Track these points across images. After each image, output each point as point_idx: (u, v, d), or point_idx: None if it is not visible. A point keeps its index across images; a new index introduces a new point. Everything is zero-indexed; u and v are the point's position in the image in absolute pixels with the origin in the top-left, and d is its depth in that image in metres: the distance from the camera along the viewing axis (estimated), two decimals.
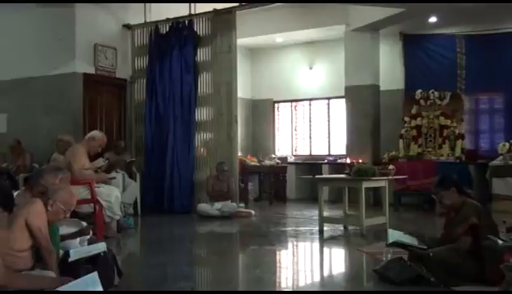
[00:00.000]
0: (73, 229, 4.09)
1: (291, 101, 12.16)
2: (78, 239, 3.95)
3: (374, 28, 10.00)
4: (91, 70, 8.94)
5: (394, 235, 4.22)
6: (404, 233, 4.26)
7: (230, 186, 8.57)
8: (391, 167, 7.37)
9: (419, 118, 9.84)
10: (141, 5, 9.43)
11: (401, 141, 9.86)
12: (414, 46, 10.49)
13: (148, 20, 9.46)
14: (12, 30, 9.18)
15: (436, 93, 9.77)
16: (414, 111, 9.89)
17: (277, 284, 4.50)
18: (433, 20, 9.68)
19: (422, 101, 9.85)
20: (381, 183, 6.93)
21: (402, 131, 9.89)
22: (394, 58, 10.61)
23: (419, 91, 9.88)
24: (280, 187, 10.74)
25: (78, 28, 8.72)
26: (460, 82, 10.05)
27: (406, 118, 9.93)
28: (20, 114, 9.09)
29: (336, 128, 11.46)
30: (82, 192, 6.06)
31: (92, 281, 2.81)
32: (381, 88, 10.37)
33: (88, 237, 4.10)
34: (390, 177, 7.09)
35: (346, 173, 7.04)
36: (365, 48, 10.09)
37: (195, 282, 4.76)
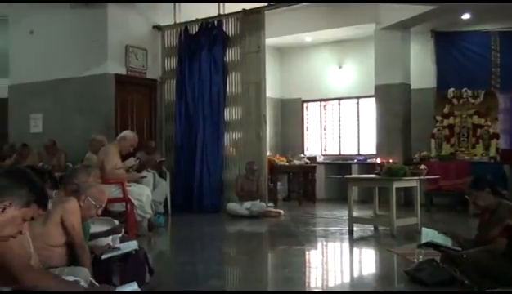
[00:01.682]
0: (105, 228, 4.17)
1: (320, 100, 12.09)
2: (110, 237, 4.01)
3: (404, 26, 9.86)
4: (122, 71, 9.08)
5: (428, 234, 4.14)
6: (438, 232, 4.18)
7: (259, 186, 8.58)
8: (422, 166, 7.25)
9: (451, 117, 9.66)
10: (171, 6, 9.53)
11: (432, 141, 9.70)
12: (446, 43, 10.29)
13: (178, 21, 9.56)
14: (48, 33, 9.42)
15: (469, 91, 9.58)
16: (446, 110, 9.71)
17: (307, 284, 4.48)
18: (466, 16, 9.49)
19: (455, 100, 9.67)
20: (412, 183, 6.83)
21: (434, 131, 9.73)
22: (425, 56, 10.44)
23: (452, 89, 9.70)
24: (309, 187, 10.70)
25: (110, 30, 8.87)
26: (495, 80, 9.81)
27: (438, 117, 9.76)
28: (55, 115, 9.31)
29: (366, 127, 11.34)
30: (114, 191, 6.17)
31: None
32: (412, 87, 10.22)
33: (120, 235, 4.16)
34: (422, 177, 6.98)
35: (376, 173, 6.97)
36: (395, 46, 9.96)
37: (225, 281, 4.78)
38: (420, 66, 10.32)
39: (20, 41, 9.82)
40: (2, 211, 1.91)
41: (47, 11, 9.37)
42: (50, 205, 2.68)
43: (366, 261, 5.77)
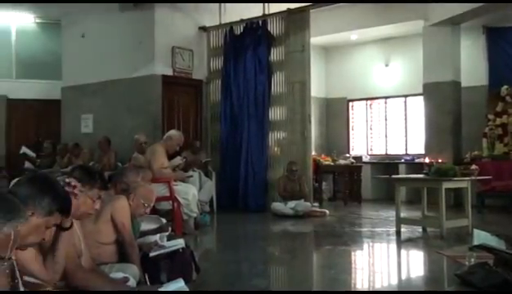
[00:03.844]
0: (153, 226, 4.26)
1: (366, 99, 11.92)
2: (157, 235, 4.09)
3: (454, 22, 9.58)
4: (169, 72, 9.24)
5: (480, 237, 4.02)
6: (491, 234, 4.04)
7: (302, 186, 8.54)
8: (474, 166, 7.02)
9: (504, 116, 9.30)
10: (216, 7, 9.62)
11: (484, 140, 9.37)
12: (498, 39, 9.94)
13: (223, 22, 9.64)
14: (98, 36, 9.71)
15: None
16: (499, 108, 9.37)
17: (352, 285, 4.42)
18: None
19: (508, 98, 9.31)
20: (463, 183, 6.62)
21: (486, 130, 9.40)
22: (476, 53, 10.12)
23: (505, 87, 9.34)
24: (354, 187, 10.56)
25: (157, 32, 9.05)
26: None
27: (491, 116, 9.43)
28: (105, 115, 9.58)
29: (413, 127, 11.10)
30: (161, 190, 6.27)
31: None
32: (462, 85, 9.92)
33: (167, 233, 4.24)
34: (473, 178, 6.77)
35: (424, 173, 6.80)
36: (445, 43, 9.69)
37: (270, 280, 4.79)
38: (471, 63, 10.01)
39: (72, 44, 10.17)
40: (26, 220, 1.95)
41: (97, 15, 9.67)
42: (99, 204, 2.75)
43: (415, 263, 5.64)
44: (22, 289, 1.98)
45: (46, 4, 10.16)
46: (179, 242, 3.87)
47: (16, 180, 2.27)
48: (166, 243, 3.89)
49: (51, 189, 2.06)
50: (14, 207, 1.32)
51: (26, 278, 2.13)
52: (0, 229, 1.27)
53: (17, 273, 1.92)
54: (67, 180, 2.55)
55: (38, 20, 11.11)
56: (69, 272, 2.40)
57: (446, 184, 6.29)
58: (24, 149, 9.60)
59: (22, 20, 11.03)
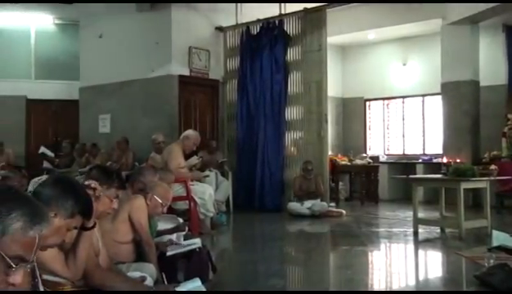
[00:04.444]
0: (170, 225, 4.29)
1: (383, 99, 11.84)
2: (174, 235, 4.12)
3: (473, 20, 9.46)
4: (185, 72, 9.28)
5: (499, 238, 3.97)
6: (510, 235, 3.98)
7: (318, 185, 8.52)
8: (493, 166, 6.94)
9: None
10: (233, 7, 9.63)
11: (503, 140, 9.24)
12: None
13: (239, 22, 9.65)
14: (115, 36, 9.79)
15: None
16: None
17: (369, 286, 4.40)
18: None
19: None
20: (482, 184, 6.55)
21: (505, 129, 9.26)
22: (496, 52, 9.98)
23: None
24: (371, 187, 10.49)
25: (174, 32, 9.09)
26: None
27: (510, 116, 9.29)
28: (122, 115, 9.66)
29: (431, 126, 10.99)
30: (178, 189, 6.31)
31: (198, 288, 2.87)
32: (481, 84, 9.80)
33: (184, 233, 4.26)
34: (492, 178, 6.68)
35: (442, 173, 6.73)
36: (463, 42, 9.58)
37: (286, 280, 4.78)
38: (490, 62, 9.88)
39: (89, 44, 10.27)
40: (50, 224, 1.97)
41: (115, 15, 9.75)
42: (117, 203, 2.78)
43: (432, 264, 5.59)
44: (42, 288, 2.01)
45: (65, 5, 10.31)
46: (196, 242, 3.89)
47: (40, 180, 2.30)
48: (182, 242, 3.91)
49: (74, 192, 2.08)
50: (40, 211, 1.35)
51: (45, 277, 2.16)
52: (27, 232, 1.29)
53: (37, 272, 1.95)
54: (86, 182, 2.57)
55: (56, 22, 11.25)
56: (87, 271, 2.43)
57: (465, 185, 6.22)
58: (43, 149, 9.73)
59: (41, 22, 11.18)
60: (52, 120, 11.08)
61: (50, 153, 9.76)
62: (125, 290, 2.53)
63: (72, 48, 10.91)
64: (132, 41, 9.52)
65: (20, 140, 10.82)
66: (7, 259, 1.25)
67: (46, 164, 9.52)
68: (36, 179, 7.77)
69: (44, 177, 7.40)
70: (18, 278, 1.27)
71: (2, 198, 1.30)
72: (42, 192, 2.04)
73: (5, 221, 1.27)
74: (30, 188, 7.06)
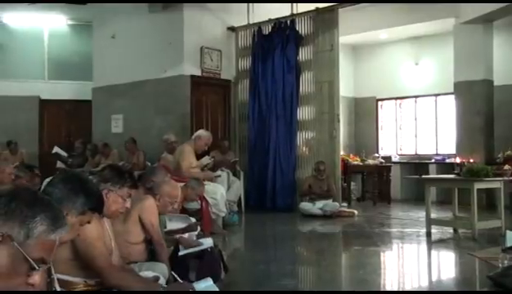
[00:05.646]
0: (182, 225, 4.30)
1: (396, 99, 11.78)
2: (186, 235, 4.13)
3: (487, 19, 9.37)
4: (197, 72, 9.30)
5: None
6: None
7: (329, 185, 8.49)
8: (507, 167, 6.87)
9: None
10: (245, 8, 9.63)
11: None
12: None
13: (251, 22, 9.65)
14: (128, 37, 9.85)
15: None
16: None
17: (382, 286, 4.37)
18: None
19: None
20: (495, 184, 6.49)
21: None
22: (510, 50, 9.87)
23: None
24: (384, 187, 10.43)
25: (186, 33, 9.12)
26: None
27: None
28: (134, 115, 9.71)
29: (444, 126, 10.91)
30: None
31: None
32: (495, 83, 9.70)
33: (196, 232, 4.27)
34: (506, 178, 6.61)
35: (456, 173, 6.68)
36: (477, 41, 9.49)
37: (298, 280, 4.77)
38: (504, 61, 9.77)
39: (102, 45, 10.34)
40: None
41: (127, 16, 9.81)
42: (129, 203, 2.79)
43: (445, 265, 5.55)
44: (57, 286, 2.04)
45: (78, 6, 10.39)
46: (208, 242, 3.89)
47: (49, 179, 2.33)
48: (196, 241, 3.92)
49: (84, 189, 2.12)
50: (60, 215, 1.39)
51: (58, 276, 2.19)
52: (49, 235, 1.34)
53: (53, 269, 1.97)
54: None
55: (69, 22, 11.35)
56: (104, 270, 2.44)
57: (478, 185, 6.17)
58: (56, 149, 9.81)
59: (54, 23, 11.29)
60: (65, 120, 11.18)
61: (63, 153, 9.85)
62: (141, 290, 2.54)
63: (85, 49, 11.00)
64: (145, 41, 9.56)
65: (34, 140, 10.93)
66: (31, 261, 1.29)
67: (59, 164, 9.61)
68: (49, 179, 7.87)
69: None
70: (38, 278, 1.31)
71: (26, 202, 1.34)
72: (52, 191, 2.07)
73: (30, 225, 1.31)
74: (43, 187, 7.14)
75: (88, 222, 2.14)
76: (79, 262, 2.42)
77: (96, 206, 2.13)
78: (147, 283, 2.66)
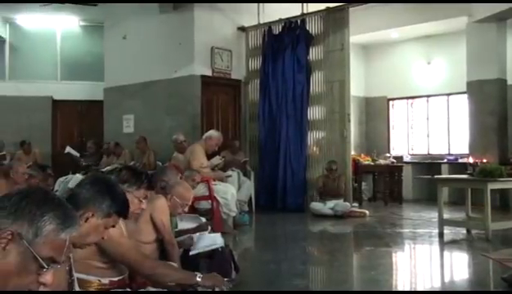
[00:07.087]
0: (193, 225, 4.30)
1: (407, 98, 11.70)
2: (197, 234, 4.13)
3: (500, 17, 9.27)
4: (208, 72, 9.31)
5: None
6: None
7: (339, 184, 8.45)
8: None
9: None
10: (255, 7, 9.63)
11: None
12: None
13: (261, 22, 9.64)
14: (139, 37, 9.90)
15: None
16: None
17: (394, 287, 4.34)
18: None
19: None
20: (509, 184, 6.42)
21: None
22: None
23: None
24: (395, 187, 10.38)
25: (197, 33, 9.14)
26: None
27: None
28: (145, 115, 9.75)
29: (457, 126, 10.82)
30: (200, 189, 6.33)
31: None
32: (509, 82, 9.60)
33: (207, 232, 4.27)
34: None
35: (469, 173, 6.61)
36: (490, 40, 9.40)
37: (309, 280, 4.76)
38: None
39: (114, 46, 10.40)
40: (86, 221, 2.02)
41: (138, 16, 9.86)
42: (145, 205, 2.81)
43: (458, 266, 5.50)
44: (77, 286, 2.06)
45: (90, 7, 10.46)
46: (219, 241, 3.89)
47: (66, 179, 2.36)
48: (205, 236, 3.91)
49: (111, 192, 2.14)
50: (71, 214, 1.39)
51: (77, 275, 2.21)
52: (59, 234, 1.34)
53: (73, 269, 1.99)
54: None
55: (82, 23, 11.45)
56: (136, 261, 2.47)
57: (492, 185, 6.10)
58: (68, 149, 9.88)
59: (67, 24, 11.38)
60: (78, 120, 11.27)
61: (75, 153, 9.92)
62: (177, 278, 2.54)
63: (97, 49, 11.07)
64: (155, 42, 9.60)
65: (47, 140, 11.03)
66: (40, 260, 1.29)
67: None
68: (62, 178, 7.92)
69: (70, 177, 7.53)
70: (49, 278, 1.31)
71: (36, 201, 1.34)
72: (80, 192, 2.11)
73: (39, 223, 1.31)
74: (57, 187, 7.18)
75: (113, 226, 2.16)
76: (95, 261, 2.44)
77: (121, 209, 2.15)
78: (183, 273, 2.68)
